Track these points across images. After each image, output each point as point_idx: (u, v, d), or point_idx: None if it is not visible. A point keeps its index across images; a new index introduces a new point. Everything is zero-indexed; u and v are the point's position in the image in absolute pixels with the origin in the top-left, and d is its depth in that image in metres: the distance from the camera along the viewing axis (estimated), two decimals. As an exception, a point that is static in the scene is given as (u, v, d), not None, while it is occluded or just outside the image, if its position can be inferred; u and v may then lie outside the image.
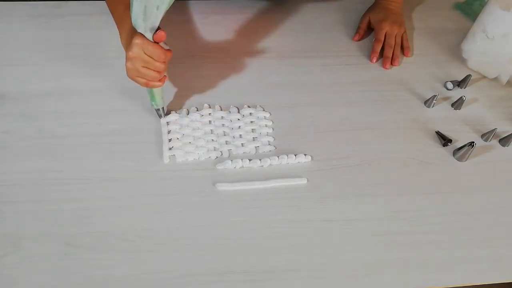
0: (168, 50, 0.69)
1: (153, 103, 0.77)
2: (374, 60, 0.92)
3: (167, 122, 0.79)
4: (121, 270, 0.64)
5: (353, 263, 0.67)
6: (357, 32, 0.96)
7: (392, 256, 0.68)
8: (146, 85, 0.71)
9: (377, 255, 0.68)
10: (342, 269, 0.66)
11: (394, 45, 0.93)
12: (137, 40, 0.67)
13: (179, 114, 0.80)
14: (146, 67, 0.69)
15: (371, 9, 0.99)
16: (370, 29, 0.98)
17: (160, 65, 0.69)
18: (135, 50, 0.67)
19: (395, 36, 0.94)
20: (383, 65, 0.92)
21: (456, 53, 0.95)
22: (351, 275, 0.66)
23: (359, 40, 0.96)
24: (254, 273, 0.65)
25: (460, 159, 0.79)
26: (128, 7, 0.66)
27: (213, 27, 0.96)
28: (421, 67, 0.93)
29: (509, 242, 0.71)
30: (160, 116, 0.79)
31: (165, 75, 0.72)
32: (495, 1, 0.85)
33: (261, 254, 0.66)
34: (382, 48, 0.93)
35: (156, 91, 0.74)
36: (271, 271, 0.65)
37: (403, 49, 0.95)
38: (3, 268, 0.62)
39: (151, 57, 0.68)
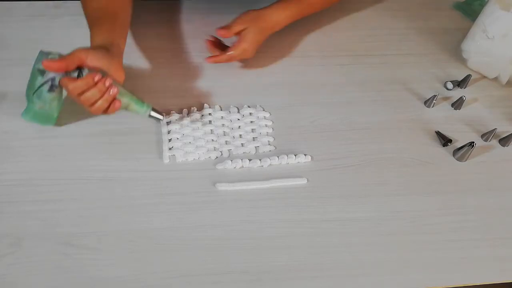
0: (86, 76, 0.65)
1: (140, 112, 0.73)
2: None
3: (167, 122, 0.79)
4: (121, 270, 0.64)
5: (353, 263, 0.67)
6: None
7: (392, 256, 0.68)
8: (95, 113, 0.69)
9: (377, 255, 0.68)
10: (342, 269, 0.66)
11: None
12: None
13: (179, 114, 0.80)
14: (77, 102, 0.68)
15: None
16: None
17: (76, 99, 0.66)
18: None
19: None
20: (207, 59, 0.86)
21: (456, 53, 0.95)
22: (351, 275, 0.66)
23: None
24: (254, 273, 0.65)
25: (460, 159, 0.79)
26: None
27: (213, 27, 0.95)
28: (421, 67, 0.93)
29: (509, 242, 0.71)
30: (160, 117, 0.74)
31: (116, 100, 0.68)
32: (495, 1, 0.85)
33: (261, 254, 0.66)
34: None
35: (126, 105, 0.70)
36: (271, 271, 0.65)
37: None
38: (3, 268, 0.62)
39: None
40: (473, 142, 0.77)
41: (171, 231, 0.67)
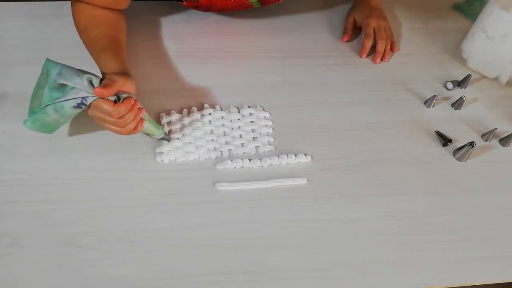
0: (124, 100, 0.66)
1: (155, 134, 0.74)
2: (364, 56, 0.93)
3: (167, 122, 0.79)
4: (121, 270, 0.64)
5: (353, 263, 0.67)
6: (344, 33, 0.96)
7: (392, 256, 0.68)
8: (122, 133, 0.69)
9: (377, 255, 0.68)
10: (342, 269, 0.66)
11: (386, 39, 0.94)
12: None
13: (179, 114, 0.80)
14: (107, 123, 0.68)
15: (353, 8, 1.00)
16: (355, 28, 0.98)
17: (114, 121, 0.67)
18: (91, 110, 0.67)
19: (384, 30, 0.94)
20: (374, 60, 0.92)
21: (456, 53, 0.95)
22: (351, 275, 0.66)
23: (347, 40, 0.96)
24: (254, 273, 0.65)
25: (460, 159, 0.79)
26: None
27: (213, 27, 0.96)
28: (421, 67, 0.93)
29: (509, 242, 0.71)
30: (168, 140, 0.75)
31: (142, 119, 0.70)
32: (495, 1, 0.85)
33: (261, 254, 0.67)
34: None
35: (147, 127, 0.71)
36: (271, 271, 0.65)
37: (390, 44, 0.95)
38: (3, 268, 0.63)
39: (105, 115, 0.66)
40: (473, 142, 0.77)
41: (171, 231, 0.68)
